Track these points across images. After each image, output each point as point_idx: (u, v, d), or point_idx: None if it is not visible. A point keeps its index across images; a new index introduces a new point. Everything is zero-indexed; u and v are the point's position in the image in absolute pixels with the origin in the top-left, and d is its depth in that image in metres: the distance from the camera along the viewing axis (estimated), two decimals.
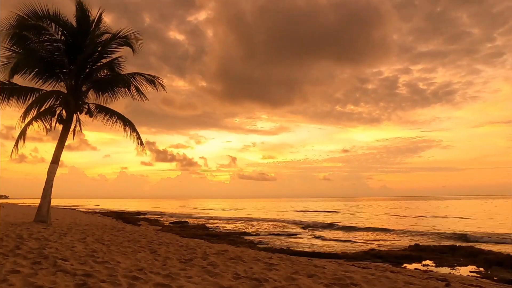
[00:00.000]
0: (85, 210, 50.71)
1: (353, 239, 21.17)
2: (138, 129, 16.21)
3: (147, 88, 15.65)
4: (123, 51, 15.78)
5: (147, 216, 44.08)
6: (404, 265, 12.32)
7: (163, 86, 15.76)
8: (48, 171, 14.49)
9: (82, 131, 16.14)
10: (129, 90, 15.53)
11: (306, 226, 30.39)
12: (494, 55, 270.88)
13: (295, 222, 34.55)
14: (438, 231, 24.74)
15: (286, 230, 26.83)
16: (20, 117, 14.38)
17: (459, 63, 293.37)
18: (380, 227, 28.64)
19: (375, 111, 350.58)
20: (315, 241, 20.35)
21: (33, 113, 14.59)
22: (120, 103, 16.67)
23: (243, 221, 36.58)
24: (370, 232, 25.56)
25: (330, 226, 30.19)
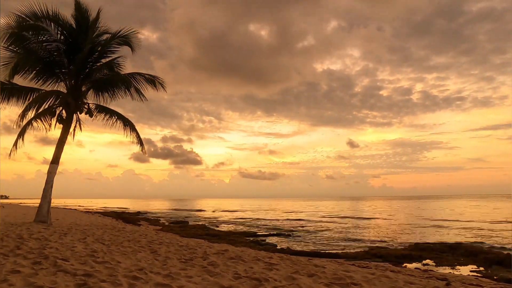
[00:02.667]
0: (84, 210, 50.64)
1: (355, 238, 21.16)
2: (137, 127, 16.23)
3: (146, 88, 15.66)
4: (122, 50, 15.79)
5: (147, 216, 44.07)
6: (404, 264, 12.32)
7: (163, 86, 15.74)
8: (48, 171, 14.46)
9: (82, 130, 16.12)
10: (128, 90, 15.51)
11: (306, 225, 30.37)
12: (505, 65, 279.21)
13: (296, 222, 34.55)
14: (439, 231, 24.74)
15: (286, 229, 26.79)
16: (18, 116, 14.34)
17: (472, 72, 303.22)
18: (382, 225, 28.65)
19: (388, 115, 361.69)
20: (315, 241, 20.32)
21: (32, 112, 14.57)
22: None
23: (244, 221, 36.56)
24: (371, 231, 25.55)
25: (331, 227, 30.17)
